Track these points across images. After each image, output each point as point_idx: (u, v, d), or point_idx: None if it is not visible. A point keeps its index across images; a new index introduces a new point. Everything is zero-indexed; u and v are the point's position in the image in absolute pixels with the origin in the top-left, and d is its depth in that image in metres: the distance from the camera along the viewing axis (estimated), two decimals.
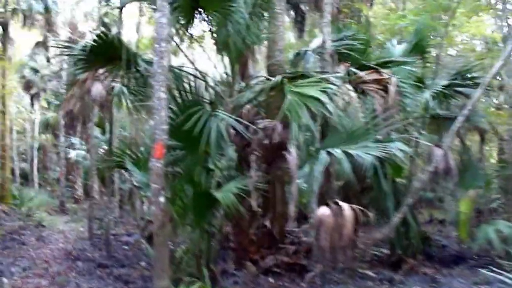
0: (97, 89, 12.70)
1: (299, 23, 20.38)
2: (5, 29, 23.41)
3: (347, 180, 9.35)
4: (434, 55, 13.06)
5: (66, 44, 9.16)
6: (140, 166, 8.14)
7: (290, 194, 7.12)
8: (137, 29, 21.60)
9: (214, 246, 7.81)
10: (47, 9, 24.23)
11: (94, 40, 8.24)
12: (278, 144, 7.34)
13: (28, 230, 15.69)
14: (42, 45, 30.71)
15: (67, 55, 9.38)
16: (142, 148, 9.30)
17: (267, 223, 9.36)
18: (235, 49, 8.47)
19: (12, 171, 36.79)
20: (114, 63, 8.79)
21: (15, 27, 29.15)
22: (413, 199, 8.54)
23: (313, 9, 19.53)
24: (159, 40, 6.18)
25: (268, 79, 8.57)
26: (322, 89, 6.96)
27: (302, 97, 6.79)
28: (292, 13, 20.14)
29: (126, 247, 12.85)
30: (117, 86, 12.56)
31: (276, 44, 10.54)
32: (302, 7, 20.08)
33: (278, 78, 7.44)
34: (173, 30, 8.79)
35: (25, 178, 38.72)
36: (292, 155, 6.74)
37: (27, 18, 24.32)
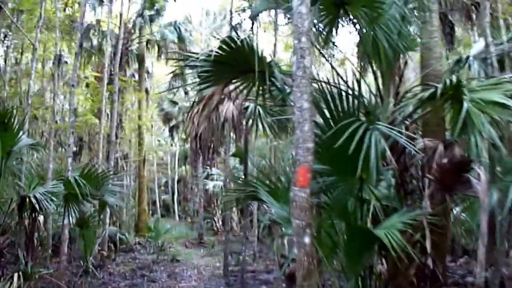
0: (228, 109, 11.20)
1: (448, 35, 18.05)
2: (140, 61, 23.48)
3: None
4: None
5: (187, 54, 7.75)
6: (279, 196, 6.34)
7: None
8: (273, 52, 20.44)
9: None
10: (180, 39, 23.87)
11: (220, 48, 6.62)
12: (457, 164, 5.30)
13: (161, 265, 14.73)
14: (179, 76, 30.74)
15: (186, 65, 7.96)
16: (282, 178, 7.45)
17: (429, 261, 7.25)
18: (388, 54, 6.54)
19: (154, 203, 37.63)
20: (246, 77, 7.12)
21: (152, 61, 29.64)
22: None
23: (463, 20, 17.19)
24: (298, 35, 4.49)
25: (427, 89, 6.52)
26: (507, 92, 4.86)
27: (482, 104, 4.75)
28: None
29: (264, 287, 11.29)
30: (251, 105, 11.15)
31: (431, 52, 8.51)
32: (450, 17, 17.76)
33: (452, 79, 5.42)
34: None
35: (167, 209, 39.28)
36: (481, 178, 4.72)
37: (161, 49, 24.12)
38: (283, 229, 6.01)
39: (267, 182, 6.51)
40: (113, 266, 13.60)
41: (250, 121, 10.81)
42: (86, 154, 21.05)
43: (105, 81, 16.39)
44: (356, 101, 5.17)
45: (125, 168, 22.50)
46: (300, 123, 4.22)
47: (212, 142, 10.65)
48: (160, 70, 32.65)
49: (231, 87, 7.70)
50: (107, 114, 17.56)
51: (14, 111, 8.40)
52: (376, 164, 4.61)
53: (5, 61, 19.03)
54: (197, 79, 7.61)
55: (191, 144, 12.23)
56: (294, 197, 4.15)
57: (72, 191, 9.13)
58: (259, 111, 9.25)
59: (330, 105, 5.24)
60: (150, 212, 32.01)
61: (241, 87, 7.28)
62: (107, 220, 13.93)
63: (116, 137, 18.79)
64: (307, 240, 4.05)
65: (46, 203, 9.90)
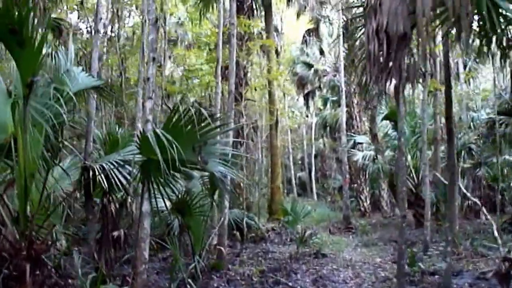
0: None
1: None
2: (266, 10, 19.46)
3: None
4: None
5: None
6: None
7: None
8: None
9: None
10: None
11: None
12: None
13: (301, 262, 10.72)
14: (314, 33, 26.48)
15: None
16: None
17: None
18: None
19: (289, 181, 33.91)
20: None
21: (280, 17, 25.79)
22: None
23: None
24: None
25: None
26: None
27: None
28: None
29: None
30: None
31: None
32: None
33: None
34: None
35: (303, 188, 35.56)
36: None
37: None
38: None
39: None
40: (235, 267, 9.79)
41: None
42: None
43: (221, 27, 12.52)
44: None
45: (253, 139, 18.70)
46: None
47: (390, 59, 5.73)
48: (290, 31, 28.90)
49: None
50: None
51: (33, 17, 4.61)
52: None
53: None
54: None
55: (355, 71, 7.55)
56: None
57: (152, 155, 5.23)
58: None
59: None
60: (285, 191, 28.35)
61: None
62: (226, 202, 10.00)
63: (240, 95, 15.00)
64: None
65: (120, 176, 6.24)
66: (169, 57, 19.79)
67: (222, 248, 9.49)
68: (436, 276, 8.91)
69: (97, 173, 6.10)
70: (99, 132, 9.32)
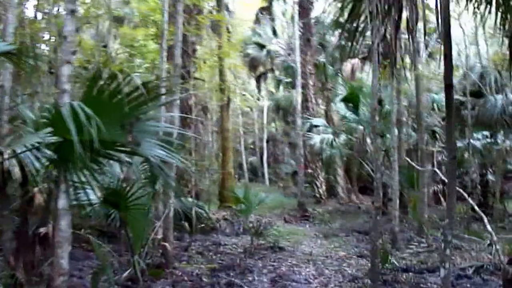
0: None
1: None
2: None
3: None
4: None
5: None
6: None
7: None
8: None
9: None
10: None
11: None
12: None
13: (257, 258, 9.65)
14: (267, 11, 25.31)
15: None
16: None
17: None
18: None
19: (240, 166, 32.75)
20: None
21: None
22: None
23: None
24: None
25: None
26: None
27: None
28: None
29: None
30: None
31: None
32: None
33: None
34: None
35: (255, 173, 34.55)
36: None
37: None
38: None
39: None
40: (183, 264, 8.57)
41: None
42: None
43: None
44: None
45: (203, 122, 17.43)
46: None
47: None
48: (242, 11, 27.57)
49: None
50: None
51: None
52: None
53: None
54: None
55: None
56: None
57: (68, 135, 3.95)
58: None
59: None
60: (236, 176, 27.21)
61: None
62: (171, 191, 8.75)
63: (188, 74, 13.72)
64: None
65: (36, 162, 4.90)
66: (115, 37, 18.24)
67: (166, 244, 8.23)
68: (410, 273, 8.03)
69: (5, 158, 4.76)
70: (31, 113, 7.95)
